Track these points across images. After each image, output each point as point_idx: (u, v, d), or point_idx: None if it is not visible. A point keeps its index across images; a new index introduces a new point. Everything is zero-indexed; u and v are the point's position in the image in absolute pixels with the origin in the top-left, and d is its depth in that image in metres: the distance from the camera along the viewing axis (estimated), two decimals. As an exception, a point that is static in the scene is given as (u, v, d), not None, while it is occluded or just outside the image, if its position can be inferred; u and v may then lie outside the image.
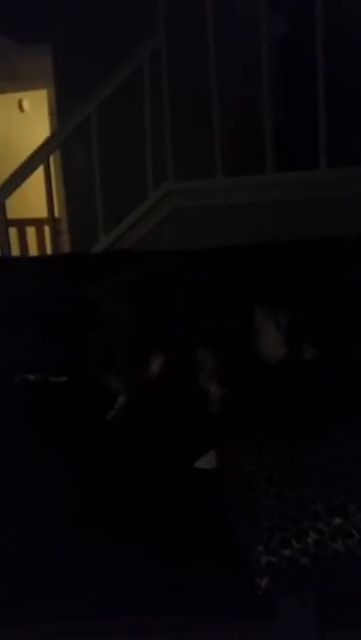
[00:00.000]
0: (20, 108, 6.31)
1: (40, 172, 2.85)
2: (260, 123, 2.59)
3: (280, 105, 2.81)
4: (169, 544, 1.09)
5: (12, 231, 4.28)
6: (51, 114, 4.64)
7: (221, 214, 2.63)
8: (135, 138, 2.79)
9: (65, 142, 2.96)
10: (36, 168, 2.85)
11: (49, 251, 3.98)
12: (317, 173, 2.51)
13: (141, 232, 2.82)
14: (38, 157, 2.84)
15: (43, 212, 3.33)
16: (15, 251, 4.17)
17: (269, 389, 1.57)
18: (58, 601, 1.02)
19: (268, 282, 1.74)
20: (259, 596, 0.92)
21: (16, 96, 6.06)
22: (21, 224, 4.62)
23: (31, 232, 4.80)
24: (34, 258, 3.49)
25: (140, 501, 1.24)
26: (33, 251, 4.81)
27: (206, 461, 1.35)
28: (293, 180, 2.55)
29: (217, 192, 2.65)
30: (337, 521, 1.00)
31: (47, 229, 3.81)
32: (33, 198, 3.58)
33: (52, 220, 3.04)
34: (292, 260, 1.90)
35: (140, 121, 2.75)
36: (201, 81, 2.64)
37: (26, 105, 6.27)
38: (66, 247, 3.92)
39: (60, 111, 3.73)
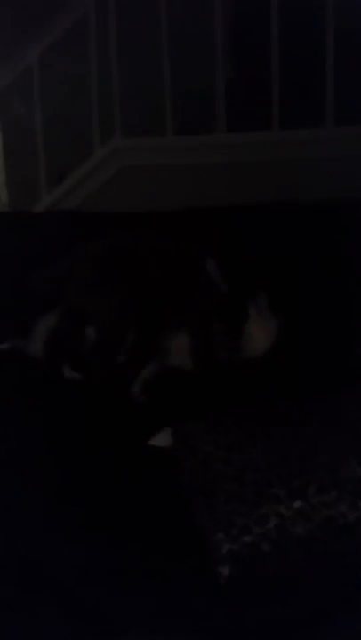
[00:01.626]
0: None
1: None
2: (213, 80, 2.49)
3: (233, 62, 2.70)
4: (124, 530, 1.05)
5: None
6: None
7: (171, 175, 2.53)
8: (81, 89, 2.63)
9: (4, 91, 2.75)
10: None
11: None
12: (270, 135, 2.44)
13: (86, 191, 2.68)
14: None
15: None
16: None
17: (239, 370, 1.53)
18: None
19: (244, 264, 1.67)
20: (219, 585, 0.90)
21: None
22: None
23: None
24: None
25: (94, 477, 1.20)
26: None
27: (162, 439, 1.32)
28: (246, 141, 2.47)
29: (167, 151, 2.54)
30: (297, 504, 0.99)
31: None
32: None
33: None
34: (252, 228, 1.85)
35: (85, 72, 2.58)
36: (152, 33, 2.49)
37: None
38: (3, 202, 3.71)
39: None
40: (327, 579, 0.91)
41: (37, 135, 2.68)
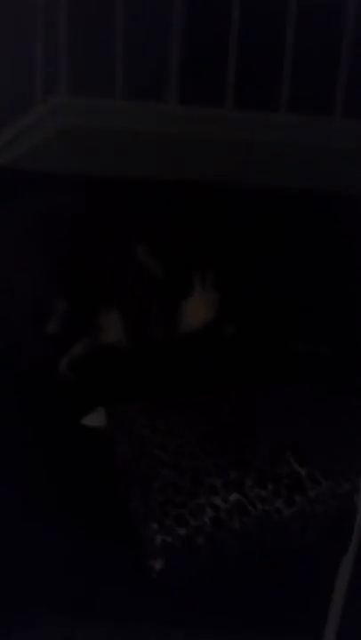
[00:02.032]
0: None
1: None
2: (167, 48, 2.38)
3: (190, 35, 2.59)
4: (52, 514, 0.98)
5: None
6: None
7: (117, 141, 2.41)
8: (25, 42, 2.44)
9: None
10: None
11: None
12: (223, 112, 2.37)
13: (23, 149, 2.52)
14: None
15: None
16: None
17: (178, 354, 1.48)
18: None
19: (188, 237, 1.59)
20: (152, 578, 0.85)
21: None
22: None
23: None
24: None
25: (22, 456, 1.12)
26: None
27: (95, 418, 1.25)
28: (197, 115, 2.39)
29: (114, 114, 2.42)
30: (234, 497, 0.96)
31: None
32: None
33: None
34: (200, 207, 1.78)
35: (32, 24, 2.40)
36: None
37: None
38: None
39: None
40: (262, 577, 0.89)
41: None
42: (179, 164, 2.27)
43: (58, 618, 0.88)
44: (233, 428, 1.10)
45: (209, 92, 2.38)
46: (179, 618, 0.86)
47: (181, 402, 1.21)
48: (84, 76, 2.49)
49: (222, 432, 1.09)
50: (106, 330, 1.54)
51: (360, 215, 1.73)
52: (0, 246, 1.53)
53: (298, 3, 2.24)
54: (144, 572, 0.86)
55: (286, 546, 0.96)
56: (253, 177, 2.03)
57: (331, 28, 2.26)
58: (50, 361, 1.46)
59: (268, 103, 2.30)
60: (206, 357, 1.48)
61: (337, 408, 1.18)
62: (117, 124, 2.40)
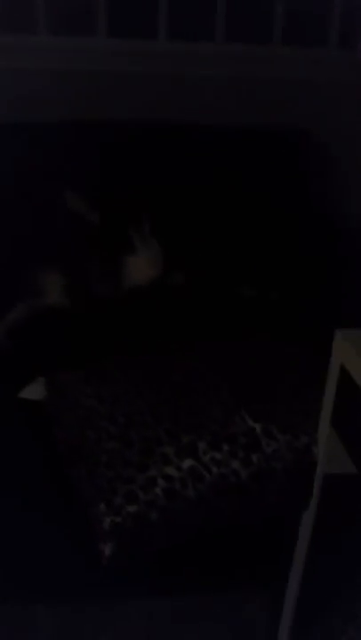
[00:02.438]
0: None
1: None
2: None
3: None
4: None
5: None
6: None
7: (43, 81, 2.22)
8: None
9: None
10: None
11: None
12: (155, 44, 2.20)
13: None
14: None
15: None
16: None
17: (124, 310, 1.38)
18: None
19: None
20: (102, 566, 0.79)
21: None
22: None
23: None
24: None
25: None
26: None
27: (33, 391, 1.16)
28: (127, 49, 2.21)
29: (38, 52, 2.22)
30: (187, 463, 0.90)
31: None
32: None
33: None
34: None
35: None
36: None
37: None
38: None
39: None
40: (220, 546, 0.84)
41: None
42: (114, 102, 2.11)
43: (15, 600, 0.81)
44: (183, 390, 1.03)
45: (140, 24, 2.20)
46: (132, 591, 0.81)
47: (127, 364, 1.13)
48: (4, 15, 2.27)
49: (172, 395, 1.02)
50: (45, 292, 1.43)
51: (306, 152, 1.63)
52: None
53: None
54: (94, 558, 0.80)
55: (245, 509, 0.91)
56: (190, 114, 1.90)
57: None
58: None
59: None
60: (155, 310, 1.39)
61: (286, 359, 1.12)
62: (41, 62, 2.21)
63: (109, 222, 1.38)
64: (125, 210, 1.41)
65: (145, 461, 0.89)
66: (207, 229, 1.55)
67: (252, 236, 1.52)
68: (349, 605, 1.02)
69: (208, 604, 0.91)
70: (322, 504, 0.89)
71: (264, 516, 0.93)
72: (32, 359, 1.25)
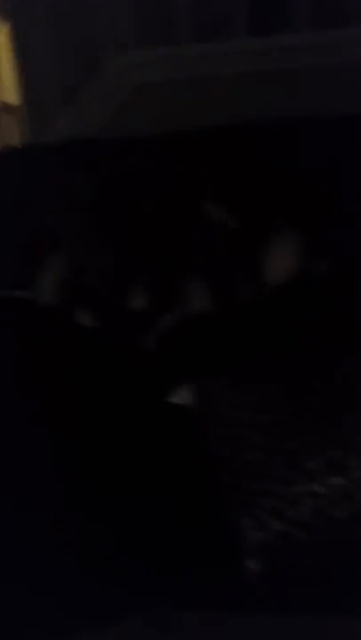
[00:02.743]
0: None
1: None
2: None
3: None
4: (131, 502, 0.92)
5: None
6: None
7: (190, 90, 2.27)
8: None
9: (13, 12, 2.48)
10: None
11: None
12: (298, 38, 2.13)
13: (98, 115, 2.45)
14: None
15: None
16: None
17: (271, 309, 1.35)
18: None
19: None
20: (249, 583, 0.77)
21: None
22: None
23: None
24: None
25: (108, 440, 1.07)
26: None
27: (182, 396, 1.18)
28: (272, 46, 2.17)
29: (181, 62, 2.27)
30: (336, 480, 0.84)
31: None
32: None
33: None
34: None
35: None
36: None
37: None
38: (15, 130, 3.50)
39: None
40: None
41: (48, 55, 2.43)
42: (258, 102, 2.08)
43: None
44: (329, 397, 0.97)
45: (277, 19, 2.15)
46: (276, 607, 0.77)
47: (272, 368, 1.09)
48: (148, 29, 2.36)
49: (318, 403, 0.97)
50: (191, 299, 1.45)
51: None
52: (70, 231, 1.48)
53: None
54: (238, 574, 0.78)
55: None
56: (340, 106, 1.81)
57: None
58: (135, 336, 1.40)
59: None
60: (300, 305, 1.34)
61: None
62: (186, 72, 2.26)
63: (250, 224, 1.36)
64: (265, 209, 1.37)
65: (291, 476, 0.85)
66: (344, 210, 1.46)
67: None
68: None
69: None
70: None
71: None
72: (180, 365, 1.26)
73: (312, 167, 1.52)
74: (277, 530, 0.80)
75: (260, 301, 1.39)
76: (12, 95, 3.34)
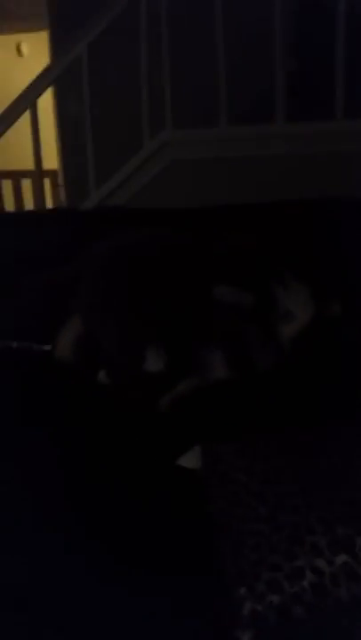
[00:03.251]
0: (19, 51, 5.93)
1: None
2: (271, 67, 2.30)
3: (293, 52, 2.50)
4: (136, 554, 0.90)
5: (7, 183, 4.05)
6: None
7: (224, 168, 2.37)
8: (131, 80, 2.51)
9: (60, 86, 2.68)
10: (21, 113, 2.58)
11: (48, 205, 3.76)
12: (334, 124, 2.23)
13: (136, 187, 2.57)
14: (24, 101, 2.56)
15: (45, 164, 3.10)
16: (10, 204, 3.94)
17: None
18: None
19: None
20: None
21: (14, 38, 5.67)
22: (16, 176, 4.35)
23: (27, 185, 4.54)
24: (14, 214, 3.26)
25: (118, 501, 1.05)
26: (29, 205, 4.56)
27: (191, 459, 1.16)
28: (307, 132, 2.27)
29: (220, 143, 2.38)
30: (341, 558, 0.81)
31: (47, 182, 3.62)
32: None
33: (38, 170, 2.79)
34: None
35: (136, 61, 2.46)
36: (205, 19, 2.34)
37: (25, 49, 5.89)
38: (63, 201, 3.69)
39: (54, 52, 3.42)
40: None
41: (87, 129, 2.59)
42: (289, 183, 2.16)
43: None
44: (339, 474, 0.94)
45: (315, 107, 2.26)
46: None
47: (284, 439, 1.08)
48: (188, 110, 2.50)
49: (327, 479, 0.94)
50: (211, 367, 1.45)
51: None
52: (86, 284, 1.52)
53: None
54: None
55: None
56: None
57: None
58: (149, 397, 1.40)
59: None
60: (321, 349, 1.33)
61: None
62: (223, 151, 2.36)
63: (263, 294, 1.38)
64: (272, 273, 1.40)
65: (293, 550, 0.82)
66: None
67: None
68: None
69: None
70: None
71: None
72: (192, 428, 1.25)
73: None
74: (275, 603, 0.76)
75: (282, 367, 1.39)
76: (53, 162, 3.54)
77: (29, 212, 3.53)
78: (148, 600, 0.82)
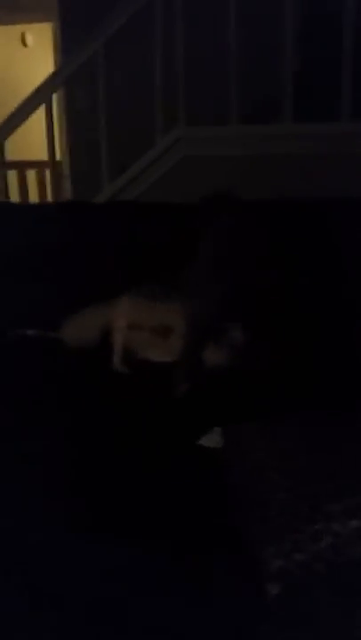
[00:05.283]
0: (23, 42, 5.96)
1: (42, 111, 2.66)
2: (280, 68, 2.39)
3: (299, 54, 2.58)
4: (166, 536, 1.00)
5: (12, 174, 4.10)
6: (56, 49, 4.34)
7: (234, 165, 2.45)
8: (144, 78, 2.59)
9: (69, 81, 2.75)
10: (37, 107, 2.66)
11: (50, 196, 3.82)
12: (340, 126, 2.32)
13: (148, 182, 2.65)
14: (40, 96, 2.63)
15: (45, 155, 3.16)
16: (14, 194, 4.00)
17: None
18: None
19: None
20: (266, 604, 0.83)
21: (18, 29, 5.70)
22: (22, 166, 4.41)
23: (32, 175, 4.59)
24: (32, 206, 3.32)
25: (139, 481, 1.15)
26: (33, 195, 4.62)
27: (212, 439, 1.26)
28: (314, 132, 2.36)
29: (231, 141, 2.47)
30: (354, 524, 0.91)
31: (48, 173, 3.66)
32: (37, 140, 3.40)
33: (52, 163, 2.87)
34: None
35: (149, 60, 2.54)
36: (218, 19, 2.42)
37: (29, 39, 5.91)
38: (66, 193, 3.74)
39: (64, 46, 3.48)
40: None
41: (100, 125, 2.67)
42: (298, 182, 2.24)
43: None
44: (352, 451, 1.05)
45: (323, 108, 2.34)
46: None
47: (301, 421, 1.18)
48: (200, 108, 2.58)
49: (342, 455, 1.05)
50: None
51: None
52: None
53: None
54: (258, 597, 0.84)
55: None
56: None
57: None
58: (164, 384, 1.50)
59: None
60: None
61: None
62: (233, 149, 2.45)
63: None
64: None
65: (313, 515, 0.92)
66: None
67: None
68: None
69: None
70: None
71: None
72: (212, 410, 1.36)
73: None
74: (299, 560, 0.87)
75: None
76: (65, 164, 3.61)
77: (46, 203, 3.62)
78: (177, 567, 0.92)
